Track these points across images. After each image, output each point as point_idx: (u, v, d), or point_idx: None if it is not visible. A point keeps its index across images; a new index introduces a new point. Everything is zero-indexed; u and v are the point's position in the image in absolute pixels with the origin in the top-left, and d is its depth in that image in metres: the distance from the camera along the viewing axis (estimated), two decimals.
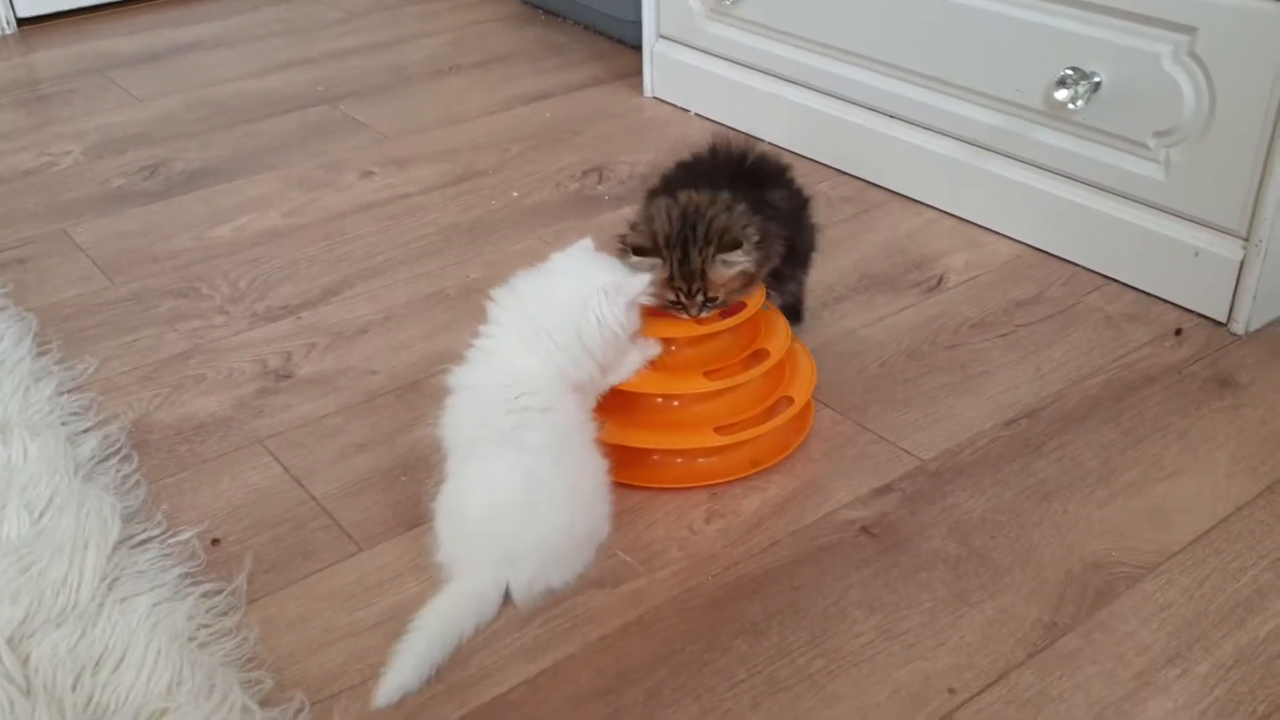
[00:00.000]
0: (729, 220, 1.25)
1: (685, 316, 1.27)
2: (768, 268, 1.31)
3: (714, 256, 1.23)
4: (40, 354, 1.51)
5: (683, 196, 1.26)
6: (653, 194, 1.33)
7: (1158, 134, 1.55)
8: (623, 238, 1.28)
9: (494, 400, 1.16)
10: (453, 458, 1.18)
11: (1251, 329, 1.54)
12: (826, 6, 1.90)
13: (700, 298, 1.25)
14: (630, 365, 1.25)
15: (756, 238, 1.26)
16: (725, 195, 1.27)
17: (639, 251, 1.25)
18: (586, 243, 1.26)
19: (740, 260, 1.25)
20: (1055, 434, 1.37)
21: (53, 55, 2.53)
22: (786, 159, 1.46)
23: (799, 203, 1.43)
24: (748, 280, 1.28)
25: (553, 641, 1.11)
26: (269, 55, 2.52)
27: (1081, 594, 1.15)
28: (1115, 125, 1.59)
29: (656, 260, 1.24)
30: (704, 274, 1.24)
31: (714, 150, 1.38)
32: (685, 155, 1.40)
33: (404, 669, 1.05)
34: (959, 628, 1.12)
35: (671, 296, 1.26)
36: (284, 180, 1.99)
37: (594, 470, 1.19)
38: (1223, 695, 1.05)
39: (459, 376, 1.19)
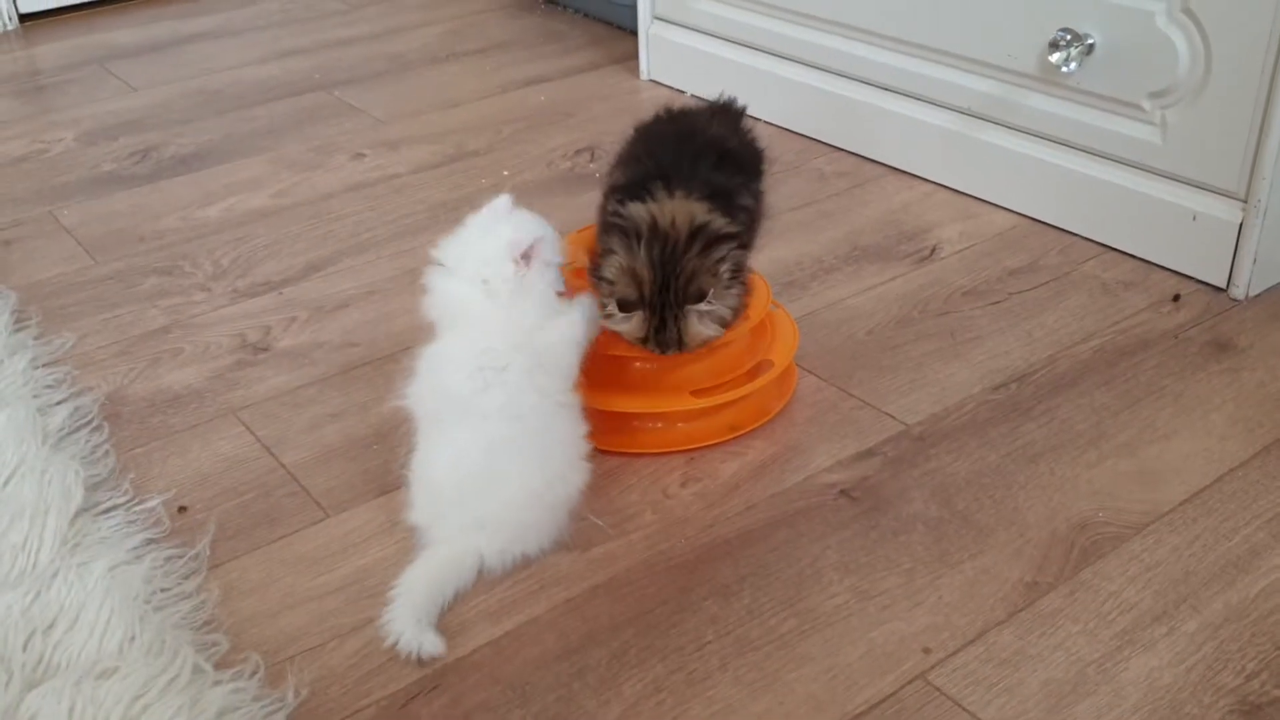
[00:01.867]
0: (700, 264, 1.16)
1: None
2: (742, 304, 1.22)
3: (686, 311, 1.17)
4: (18, 330, 1.50)
5: (661, 217, 1.17)
6: (615, 189, 1.24)
7: (1153, 95, 1.51)
8: (595, 269, 1.20)
9: (452, 365, 1.13)
10: (421, 425, 1.16)
11: (1252, 293, 1.49)
12: None
13: (674, 350, 1.19)
14: (568, 325, 1.16)
15: (729, 274, 1.17)
16: (701, 213, 1.18)
17: (625, 306, 1.16)
18: (504, 200, 1.20)
19: (710, 309, 1.17)
20: (1045, 398, 1.33)
21: (53, 48, 2.53)
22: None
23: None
24: (725, 323, 1.20)
25: (518, 604, 1.09)
26: (268, 45, 2.52)
27: (1066, 554, 1.11)
28: (1109, 88, 1.55)
29: (640, 313, 1.17)
30: (680, 338, 1.18)
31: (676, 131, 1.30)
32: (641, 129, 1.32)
33: (407, 625, 1.03)
34: (937, 588, 1.08)
35: (646, 347, 1.20)
36: (275, 163, 1.98)
37: (565, 434, 1.16)
38: (1210, 653, 1.01)
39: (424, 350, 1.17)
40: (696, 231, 1.17)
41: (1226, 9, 1.40)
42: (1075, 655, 1.01)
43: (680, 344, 1.19)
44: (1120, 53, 1.52)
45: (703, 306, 1.17)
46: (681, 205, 1.18)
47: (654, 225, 1.17)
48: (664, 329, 1.18)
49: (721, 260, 1.17)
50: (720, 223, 1.19)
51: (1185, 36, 1.45)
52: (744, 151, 1.32)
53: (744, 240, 1.22)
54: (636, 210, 1.19)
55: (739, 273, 1.19)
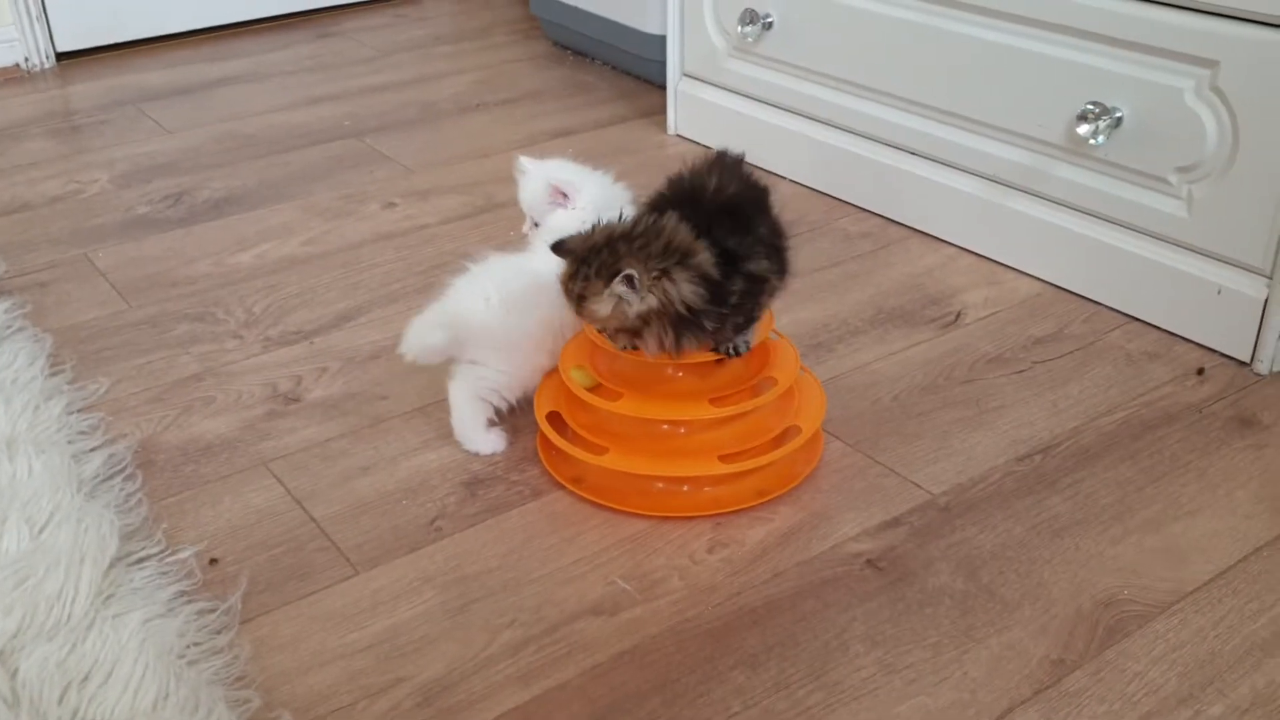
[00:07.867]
0: (646, 255, 1.15)
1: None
2: (729, 329, 1.21)
3: (593, 282, 1.17)
4: (53, 374, 1.52)
5: (665, 220, 1.17)
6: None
7: (1180, 170, 1.52)
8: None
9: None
10: None
11: (1276, 369, 1.50)
12: (848, 43, 1.90)
13: (570, 302, 1.20)
14: None
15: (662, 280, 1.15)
16: (699, 249, 1.16)
17: (559, 250, 1.20)
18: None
19: (620, 296, 1.16)
20: (1070, 470, 1.34)
21: (88, 88, 2.57)
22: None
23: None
24: (644, 324, 1.17)
25: (546, 668, 1.09)
26: (299, 90, 2.55)
27: (1091, 632, 1.12)
28: (1137, 161, 1.57)
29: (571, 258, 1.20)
30: (580, 294, 1.18)
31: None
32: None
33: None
34: (963, 663, 1.09)
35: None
36: (306, 210, 2.00)
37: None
38: None
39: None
40: (679, 244, 1.16)
41: (1255, 88, 1.42)
42: None
43: (578, 299, 1.19)
44: (1148, 127, 1.54)
45: (618, 288, 1.16)
46: (686, 230, 1.17)
47: (648, 220, 1.19)
48: (574, 278, 1.19)
49: (673, 272, 1.15)
50: (705, 260, 1.16)
51: (1213, 113, 1.47)
52: (748, 194, 1.27)
53: (734, 317, 1.21)
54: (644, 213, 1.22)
55: (661, 279, 1.15)
